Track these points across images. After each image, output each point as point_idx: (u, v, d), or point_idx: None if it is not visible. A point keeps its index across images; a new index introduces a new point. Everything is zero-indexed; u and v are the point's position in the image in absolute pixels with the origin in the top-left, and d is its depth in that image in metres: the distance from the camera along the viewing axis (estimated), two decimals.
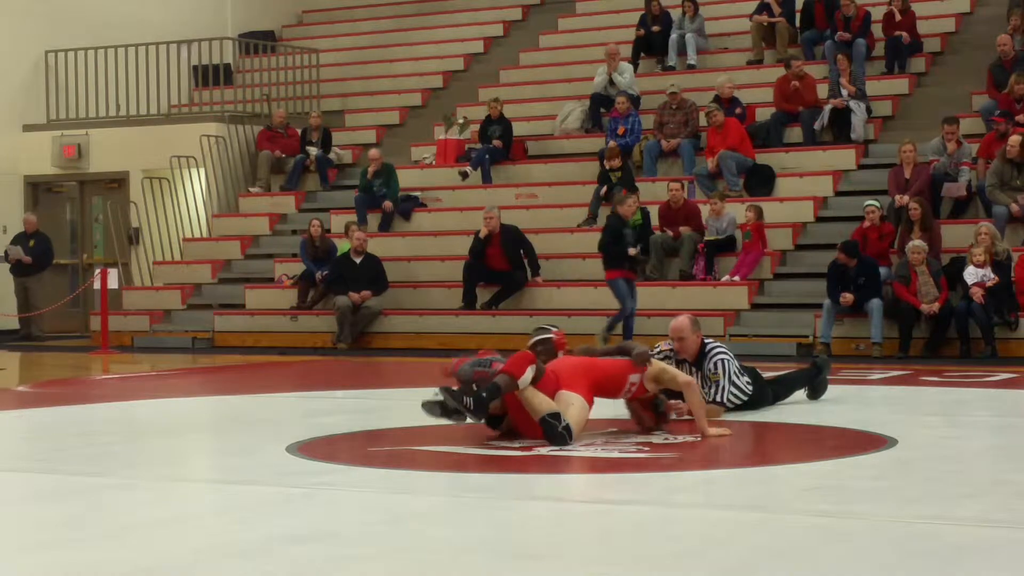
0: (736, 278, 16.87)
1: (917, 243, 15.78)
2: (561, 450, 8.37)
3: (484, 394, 8.47)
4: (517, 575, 5.46)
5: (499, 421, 8.94)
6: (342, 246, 19.24)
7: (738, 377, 9.94)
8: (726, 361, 9.81)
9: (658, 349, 9.86)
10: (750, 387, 10.05)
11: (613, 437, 8.78)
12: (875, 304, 15.75)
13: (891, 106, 19.64)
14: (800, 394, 10.88)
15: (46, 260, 21.61)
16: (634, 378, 8.95)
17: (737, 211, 17.73)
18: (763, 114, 19.71)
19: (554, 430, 8.45)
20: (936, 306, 15.48)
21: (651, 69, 21.86)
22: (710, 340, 9.97)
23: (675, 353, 9.80)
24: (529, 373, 8.50)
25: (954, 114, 17.86)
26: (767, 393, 10.40)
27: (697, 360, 9.80)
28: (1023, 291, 15.63)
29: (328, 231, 19.85)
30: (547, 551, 5.81)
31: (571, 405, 8.58)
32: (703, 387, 9.64)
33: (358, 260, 18.60)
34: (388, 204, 20.10)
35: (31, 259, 21.20)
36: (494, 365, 8.66)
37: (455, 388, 8.68)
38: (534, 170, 20.59)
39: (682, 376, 9.10)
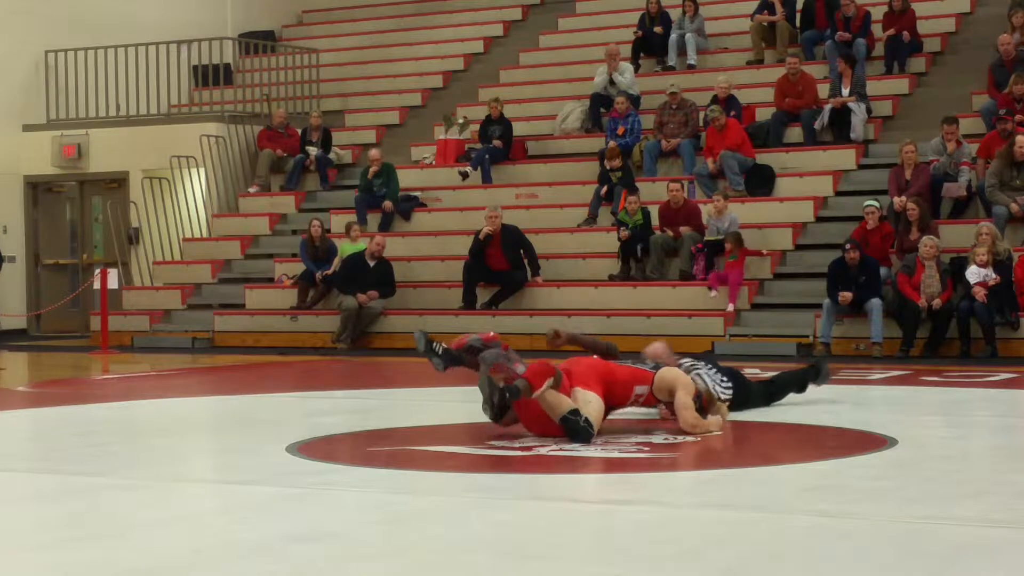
0: (716, 291, 16.79)
1: (931, 238, 15.78)
2: (561, 450, 8.37)
3: (508, 394, 8.52)
4: (517, 575, 5.46)
5: (505, 412, 8.94)
6: (342, 246, 19.24)
7: (717, 383, 9.89)
8: (701, 375, 9.77)
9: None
10: (730, 391, 10.01)
11: (613, 437, 8.78)
12: (875, 304, 15.74)
13: (891, 106, 19.62)
14: (798, 394, 10.87)
15: None
16: (640, 389, 9.04)
17: (739, 211, 17.72)
18: (763, 114, 19.69)
19: (576, 426, 8.49)
20: (938, 301, 15.46)
21: (651, 69, 21.86)
22: (685, 359, 9.96)
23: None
24: (546, 385, 8.55)
25: (954, 114, 17.84)
26: (751, 393, 10.34)
27: None
28: (1023, 291, 15.64)
29: (328, 231, 19.84)
30: (547, 551, 5.81)
31: (589, 403, 8.65)
32: None
33: (372, 264, 18.57)
34: (388, 204, 20.10)
35: None
36: (516, 366, 8.65)
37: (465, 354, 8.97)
38: (534, 170, 20.58)
39: (683, 379, 9.13)
